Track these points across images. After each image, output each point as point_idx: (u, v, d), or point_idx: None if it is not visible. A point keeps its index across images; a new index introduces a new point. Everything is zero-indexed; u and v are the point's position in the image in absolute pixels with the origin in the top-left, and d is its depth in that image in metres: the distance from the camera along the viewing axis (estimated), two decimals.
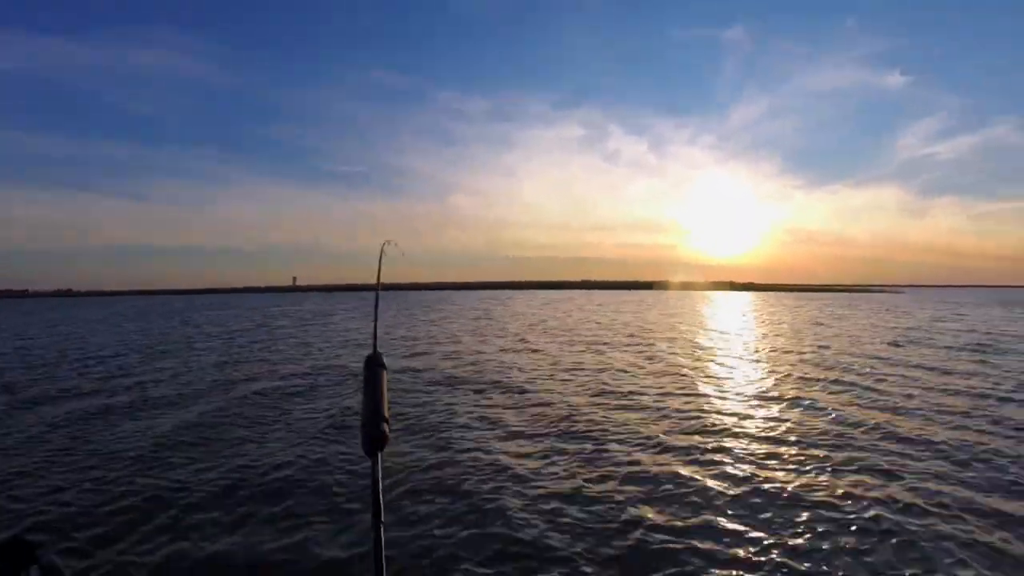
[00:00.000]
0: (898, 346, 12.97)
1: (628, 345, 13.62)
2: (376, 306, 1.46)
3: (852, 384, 8.20)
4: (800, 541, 3.34)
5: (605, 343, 13.99)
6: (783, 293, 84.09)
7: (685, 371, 9.60)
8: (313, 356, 11.99)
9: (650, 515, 3.70)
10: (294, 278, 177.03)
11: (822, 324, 20.72)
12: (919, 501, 3.89)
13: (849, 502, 3.89)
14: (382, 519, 0.86)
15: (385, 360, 1.15)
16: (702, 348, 13.13)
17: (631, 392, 7.72)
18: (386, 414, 1.02)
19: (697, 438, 5.48)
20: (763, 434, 5.65)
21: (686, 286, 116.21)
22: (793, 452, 5.04)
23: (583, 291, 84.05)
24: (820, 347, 12.94)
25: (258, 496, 4.17)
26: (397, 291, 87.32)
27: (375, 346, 1.21)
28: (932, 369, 9.58)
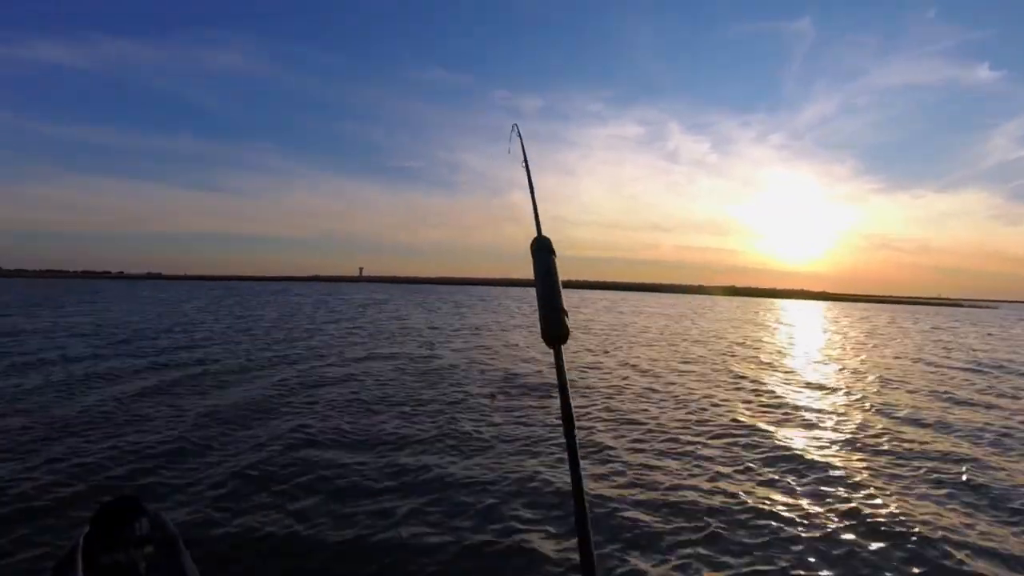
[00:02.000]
0: None
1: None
2: (530, 182, 1.34)
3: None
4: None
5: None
6: (865, 304, 79.37)
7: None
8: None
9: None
10: (360, 268, 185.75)
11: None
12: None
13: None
14: (575, 423, 0.79)
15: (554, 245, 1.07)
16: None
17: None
18: (563, 305, 0.95)
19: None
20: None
21: (752, 292, 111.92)
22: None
23: (645, 293, 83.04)
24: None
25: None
26: (443, 285, 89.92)
27: (538, 228, 1.13)
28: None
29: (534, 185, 1.32)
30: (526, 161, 1.42)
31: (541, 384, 8.16)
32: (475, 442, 5.29)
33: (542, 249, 1.05)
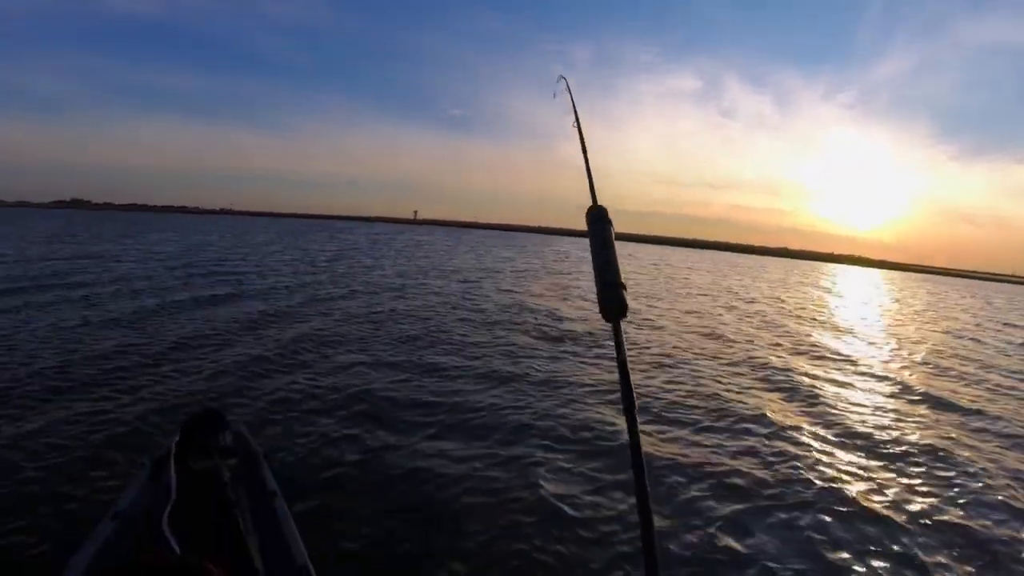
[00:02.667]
0: None
1: None
2: (583, 146, 1.19)
3: None
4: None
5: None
6: (923, 275, 75.28)
7: None
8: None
9: None
10: (415, 212, 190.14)
11: None
12: None
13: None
14: (635, 400, 0.74)
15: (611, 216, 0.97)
16: None
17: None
18: (621, 279, 0.88)
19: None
20: None
21: (806, 255, 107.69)
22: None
23: (694, 250, 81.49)
24: None
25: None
26: (502, 231, 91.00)
27: (593, 196, 1.02)
28: None
29: (587, 149, 1.21)
30: (578, 122, 1.29)
31: (586, 321, 8.72)
32: (525, 350, 6.45)
33: (598, 219, 0.98)
